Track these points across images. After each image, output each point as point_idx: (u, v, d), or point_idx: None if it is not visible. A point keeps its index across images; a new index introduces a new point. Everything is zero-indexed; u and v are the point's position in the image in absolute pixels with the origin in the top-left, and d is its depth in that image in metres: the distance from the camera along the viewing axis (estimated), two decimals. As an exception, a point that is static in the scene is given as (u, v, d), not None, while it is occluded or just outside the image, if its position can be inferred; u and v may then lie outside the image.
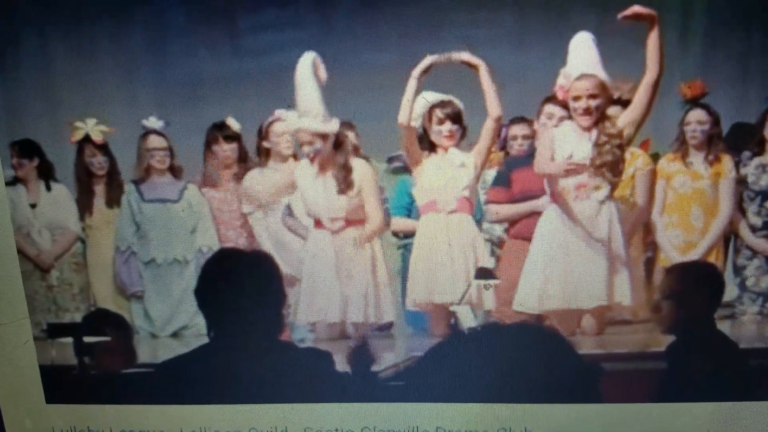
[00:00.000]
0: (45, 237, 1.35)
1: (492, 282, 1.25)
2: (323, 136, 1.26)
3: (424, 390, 1.22)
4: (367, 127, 1.25)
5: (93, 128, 1.27)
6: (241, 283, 1.23)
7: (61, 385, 1.28)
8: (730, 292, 1.28)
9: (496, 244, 1.33)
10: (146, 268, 1.34)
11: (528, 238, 1.27)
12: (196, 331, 1.32)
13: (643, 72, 1.18)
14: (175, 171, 1.35)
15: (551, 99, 1.25)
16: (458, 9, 1.14)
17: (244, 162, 1.34)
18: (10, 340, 1.26)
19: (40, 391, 1.27)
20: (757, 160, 1.26)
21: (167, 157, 1.34)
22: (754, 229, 1.28)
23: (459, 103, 1.25)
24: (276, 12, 1.17)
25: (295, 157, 1.35)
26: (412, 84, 1.20)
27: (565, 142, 1.24)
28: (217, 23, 1.19)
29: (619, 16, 1.12)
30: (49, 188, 1.34)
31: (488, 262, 1.28)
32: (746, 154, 1.27)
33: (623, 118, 1.22)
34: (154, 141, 1.31)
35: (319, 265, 1.31)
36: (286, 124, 1.29)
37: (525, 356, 1.19)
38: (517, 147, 1.33)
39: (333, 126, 1.25)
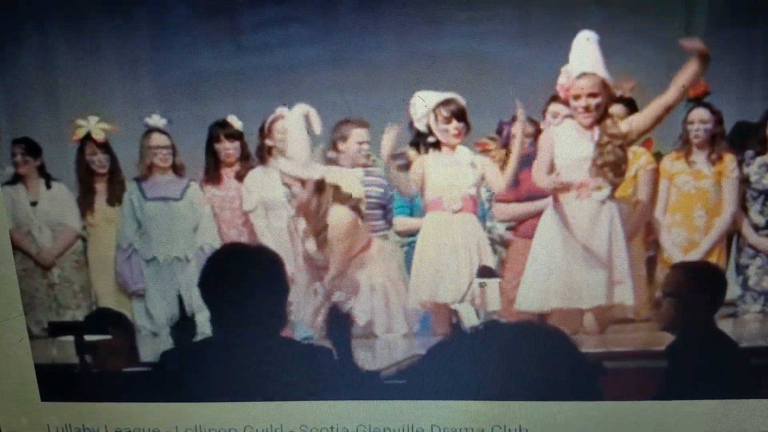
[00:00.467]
0: (46, 235, 1.34)
1: (489, 280, 1.25)
2: (302, 182, 1.29)
3: (419, 388, 1.22)
4: (371, 124, 1.26)
5: (95, 126, 1.27)
6: (244, 277, 1.23)
7: (57, 383, 1.28)
8: (733, 290, 1.28)
9: (500, 243, 1.33)
10: (148, 266, 1.34)
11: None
12: (199, 328, 1.31)
13: (657, 89, 1.18)
14: (177, 169, 1.34)
15: (557, 98, 1.24)
16: (461, 6, 1.14)
17: (246, 160, 1.34)
18: (5, 337, 1.26)
19: (35, 388, 1.28)
20: (760, 159, 1.26)
21: (170, 155, 1.33)
22: (756, 228, 1.28)
23: (462, 100, 1.25)
24: (278, 9, 1.17)
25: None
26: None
27: (567, 141, 1.24)
28: (219, 20, 1.19)
29: (682, 43, 1.13)
30: (49, 186, 1.34)
31: (491, 261, 1.27)
32: (749, 153, 1.26)
33: (628, 124, 1.21)
34: (157, 139, 1.31)
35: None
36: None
37: (523, 354, 1.19)
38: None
39: (312, 173, 1.28)
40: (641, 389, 1.19)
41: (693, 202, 1.28)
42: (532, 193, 1.28)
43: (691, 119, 1.26)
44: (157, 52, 1.20)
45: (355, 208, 1.31)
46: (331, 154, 1.32)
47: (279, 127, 1.31)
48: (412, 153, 1.29)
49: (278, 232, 1.32)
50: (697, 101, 1.24)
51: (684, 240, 1.29)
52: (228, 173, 1.35)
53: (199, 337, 1.28)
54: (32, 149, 1.29)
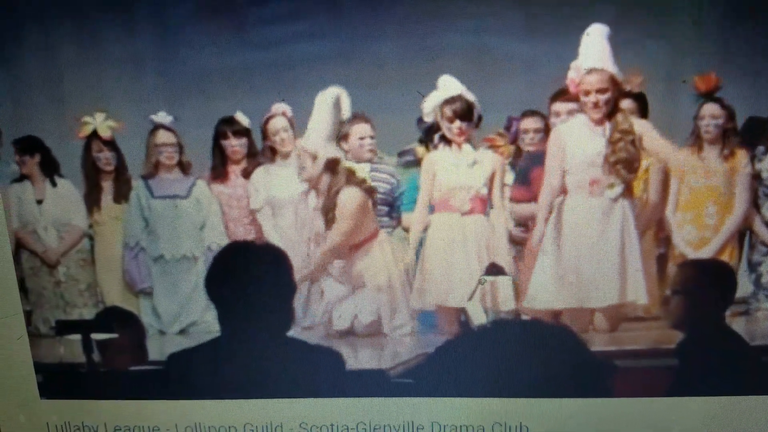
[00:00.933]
0: (51, 233, 1.34)
1: (496, 278, 1.24)
2: (314, 157, 1.28)
3: (420, 385, 1.22)
4: (377, 120, 1.24)
5: (102, 123, 1.26)
6: (250, 276, 1.22)
7: (58, 381, 1.28)
8: (745, 288, 1.27)
9: (512, 241, 1.31)
10: (155, 264, 1.33)
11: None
12: (205, 327, 1.31)
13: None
14: (183, 167, 1.34)
15: (557, 97, 1.23)
16: (468, 0, 1.13)
17: (253, 157, 1.33)
18: (4, 335, 1.26)
19: (34, 386, 1.27)
20: (772, 155, 1.25)
21: (176, 152, 1.32)
22: (769, 224, 1.27)
23: (470, 97, 1.23)
24: (283, 4, 1.16)
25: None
26: None
27: (578, 137, 1.22)
28: (223, 16, 1.18)
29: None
30: (54, 184, 1.33)
31: (502, 259, 1.26)
32: (760, 149, 1.25)
33: (648, 143, 1.20)
34: (163, 136, 1.29)
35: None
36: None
37: (526, 352, 1.19)
38: (528, 140, 1.31)
39: (325, 150, 1.27)
40: (651, 387, 1.19)
41: (704, 198, 1.27)
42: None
43: (702, 115, 1.25)
44: (162, 49, 1.19)
45: (369, 191, 1.30)
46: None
47: (272, 127, 1.31)
48: (420, 150, 1.28)
49: (285, 232, 1.32)
50: (708, 96, 1.22)
51: (695, 237, 1.27)
52: (235, 170, 1.34)
53: (206, 337, 1.28)
54: (28, 147, 1.28)
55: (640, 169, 1.23)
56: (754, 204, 1.26)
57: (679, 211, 1.28)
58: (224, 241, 1.32)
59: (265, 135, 1.32)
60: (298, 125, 1.30)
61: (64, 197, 1.33)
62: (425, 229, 1.30)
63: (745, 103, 1.20)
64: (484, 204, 1.28)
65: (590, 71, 1.18)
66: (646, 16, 1.13)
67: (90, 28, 1.19)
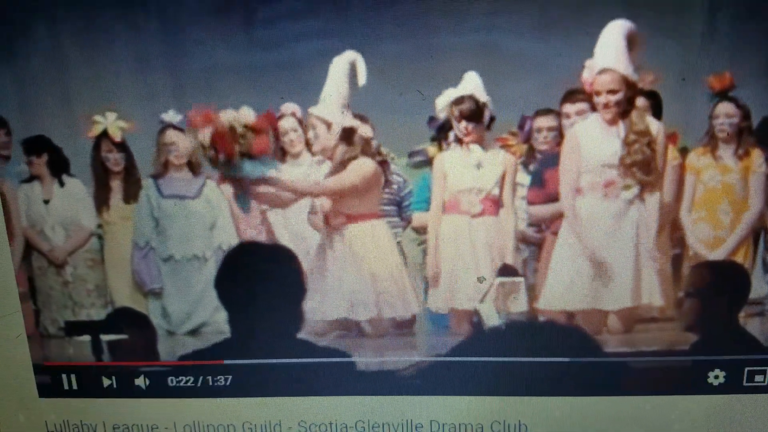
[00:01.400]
0: (58, 233, 1.33)
1: (505, 279, 1.23)
2: (329, 125, 1.25)
3: (419, 384, 1.22)
4: (387, 120, 1.22)
5: (113, 123, 1.25)
6: (261, 277, 1.22)
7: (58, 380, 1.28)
8: (760, 288, 1.25)
9: (524, 242, 1.30)
10: (165, 264, 1.32)
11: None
12: (216, 328, 1.30)
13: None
14: (193, 167, 1.32)
15: (567, 98, 1.21)
16: (480, -3, 1.11)
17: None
18: (2, 334, 1.25)
19: (32, 385, 1.27)
20: (788, 155, 1.23)
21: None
22: (784, 224, 1.26)
23: (480, 97, 1.22)
24: (292, 2, 1.14)
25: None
26: None
27: (593, 138, 1.22)
28: (232, 14, 1.17)
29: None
30: (62, 184, 1.32)
31: (514, 260, 1.25)
32: (775, 148, 1.24)
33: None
34: (172, 136, 1.28)
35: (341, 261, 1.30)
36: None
37: (533, 352, 1.20)
38: (541, 139, 1.29)
39: (341, 118, 1.24)
40: (659, 386, 1.19)
41: (719, 198, 1.26)
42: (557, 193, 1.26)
43: (717, 113, 1.23)
44: (171, 47, 1.18)
45: (383, 164, 1.28)
46: None
47: (282, 127, 1.29)
48: (432, 149, 1.27)
49: (296, 232, 1.31)
50: (723, 95, 1.21)
51: (709, 237, 1.26)
52: (243, 169, 1.33)
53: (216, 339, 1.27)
54: (35, 147, 1.27)
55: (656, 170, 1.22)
56: (769, 204, 1.25)
57: (693, 210, 1.27)
58: (235, 241, 1.31)
59: (276, 135, 1.31)
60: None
61: (72, 197, 1.32)
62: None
63: (761, 102, 1.18)
64: (497, 205, 1.27)
65: (602, 71, 1.17)
66: (660, 13, 1.12)
67: (98, 25, 1.18)
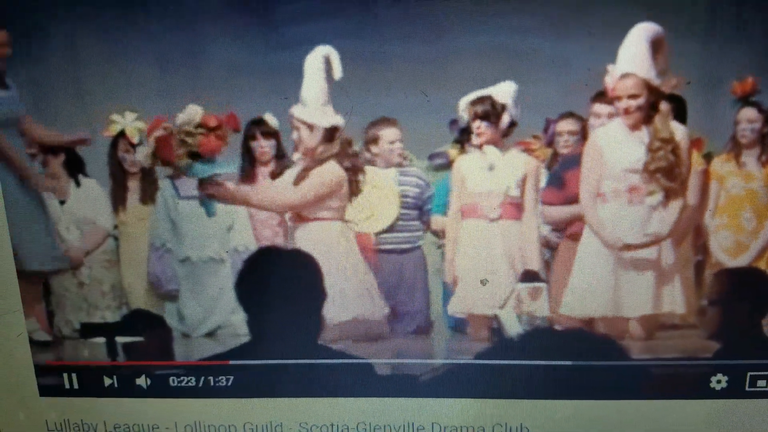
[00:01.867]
0: (74, 234, 1.32)
1: (524, 285, 1.22)
2: (311, 127, 1.24)
3: (420, 385, 1.22)
4: (408, 122, 1.21)
5: (131, 124, 1.24)
6: (281, 280, 1.21)
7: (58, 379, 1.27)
8: (784, 295, 1.24)
9: (546, 246, 1.29)
10: (181, 266, 1.31)
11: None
12: (231, 330, 1.29)
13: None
14: None
15: (599, 97, 1.20)
16: (505, -1, 1.11)
17: (281, 159, 1.31)
18: (3, 333, 1.24)
19: (33, 384, 1.26)
20: (812, 161, 1.22)
21: (202, 153, 1.31)
22: (808, 231, 1.24)
23: (498, 98, 1.20)
24: (314, 1, 1.13)
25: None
26: None
27: (616, 143, 1.20)
28: (253, 15, 1.16)
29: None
30: (78, 184, 1.31)
31: (535, 265, 1.24)
32: (799, 154, 1.23)
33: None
34: (191, 137, 1.28)
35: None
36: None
37: (546, 356, 1.19)
38: (563, 143, 1.28)
39: (323, 119, 1.22)
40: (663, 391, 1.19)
41: (742, 204, 1.25)
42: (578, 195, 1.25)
43: (739, 119, 1.22)
44: (191, 47, 1.17)
45: (353, 171, 1.26)
46: (367, 154, 1.29)
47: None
48: (453, 152, 1.25)
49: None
50: (746, 100, 1.20)
51: (732, 244, 1.25)
52: (263, 172, 1.32)
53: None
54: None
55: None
56: (793, 210, 1.24)
57: (716, 216, 1.26)
58: (252, 243, 1.30)
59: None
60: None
61: (88, 197, 1.31)
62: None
63: (785, 108, 1.18)
64: (517, 209, 1.26)
65: (623, 76, 1.15)
66: (683, 17, 1.11)
67: (115, 23, 1.17)
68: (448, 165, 1.25)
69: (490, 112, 1.21)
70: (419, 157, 1.26)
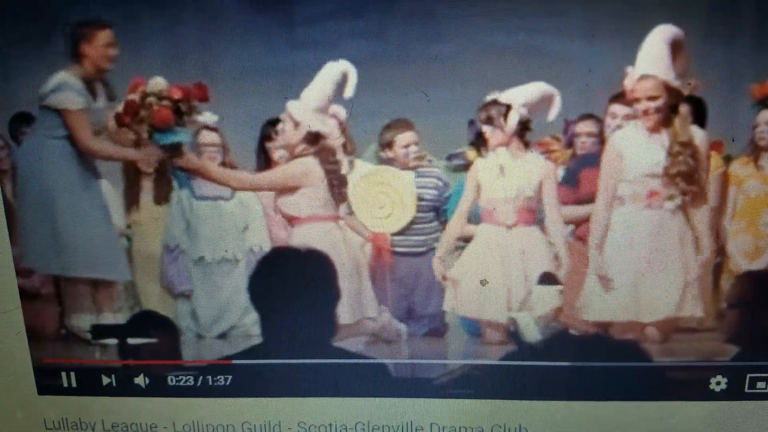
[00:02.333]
0: None
1: (537, 288, 1.21)
2: (296, 124, 1.24)
3: (418, 385, 1.21)
4: (427, 123, 1.20)
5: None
6: (295, 282, 1.20)
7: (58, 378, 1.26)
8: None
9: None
10: (195, 266, 1.30)
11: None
12: (244, 331, 1.28)
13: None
14: (227, 168, 1.30)
15: (617, 98, 1.19)
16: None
17: (297, 159, 1.30)
18: (1, 330, 1.24)
19: (32, 382, 1.26)
20: (830, 164, 1.22)
21: (219, 153, 1.29)
22: (826, 235, 1.24)
23: (506, 101, 1.20)
24: (334, 1, 1.12)
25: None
26: None
27: (636, 146, 1.20)
28: (272, 14, 1.15)
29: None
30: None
31: (552, 267, 1.23)
32: (816, 158, 1.22)
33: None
34: (207, 137, 1.27)
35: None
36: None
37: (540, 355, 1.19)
38: (580, 144, 1.28)
39: (311, 121, 1.23)
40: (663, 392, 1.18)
41: (760, 207, 1.24)
42: (592, 195, 1.24)
43: (758, 122, 1.22)
44: (208, 47, 1.16)
45: (331, 173, 1.26)
46: (383, 155, 1.29)
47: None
48: (471, 154, 1.25)
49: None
50: (764, 103, 1.20)
51: (750, 247, 1.24)
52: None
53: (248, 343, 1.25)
54: None
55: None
56: (811, 214, 1.23)
57: (735, 220, 1.26)
58: (266, 244, 1.29)
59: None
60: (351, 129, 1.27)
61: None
62: (467, 240, 1.27)
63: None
64: (532, 215, 1.25)
65: (642, 77, 1.15)
66: (704, 20, 1.11)
67: (131, 22, 1.16)
68: (466, 166, 1.25)
69: (494, 116, 1.21)
70: (438, 157, 1.26)
